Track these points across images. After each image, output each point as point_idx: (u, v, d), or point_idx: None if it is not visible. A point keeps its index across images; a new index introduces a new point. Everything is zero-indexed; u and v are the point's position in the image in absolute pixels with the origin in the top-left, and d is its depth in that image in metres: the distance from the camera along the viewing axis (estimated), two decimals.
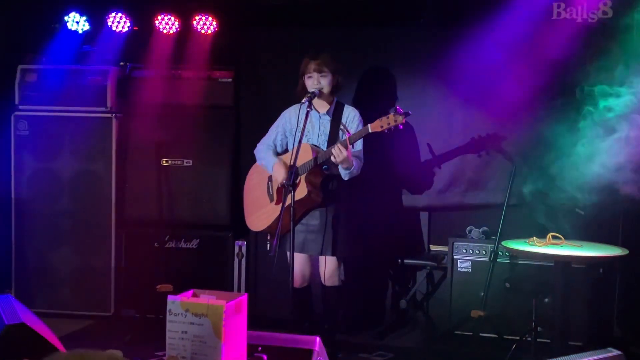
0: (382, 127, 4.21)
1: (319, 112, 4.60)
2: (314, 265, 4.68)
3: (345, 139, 4.29)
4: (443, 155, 5.43)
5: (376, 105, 5.32)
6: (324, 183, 4.52)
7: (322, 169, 4.49)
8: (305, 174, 4.43)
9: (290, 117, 4.67)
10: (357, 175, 4.51)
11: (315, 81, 4.51)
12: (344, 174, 4.47)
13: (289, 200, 4.11)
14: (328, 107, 4.61)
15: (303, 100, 4.39)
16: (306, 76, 4.55)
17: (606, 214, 4.75)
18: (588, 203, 4.48)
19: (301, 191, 4.40)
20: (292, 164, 4.14)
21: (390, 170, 5.44)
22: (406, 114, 4.18)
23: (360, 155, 4.52)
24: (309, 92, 4.44)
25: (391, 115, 4.18)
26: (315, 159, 4.40)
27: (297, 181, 4.39)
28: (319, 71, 4.50)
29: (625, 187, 4.45)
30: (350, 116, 4.58)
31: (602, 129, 4.45)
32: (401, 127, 4.20)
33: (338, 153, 4.25)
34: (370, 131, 4.27)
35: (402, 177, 5.56)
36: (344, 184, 4.56)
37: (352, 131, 4.48)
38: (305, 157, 4.41)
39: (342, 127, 4.49)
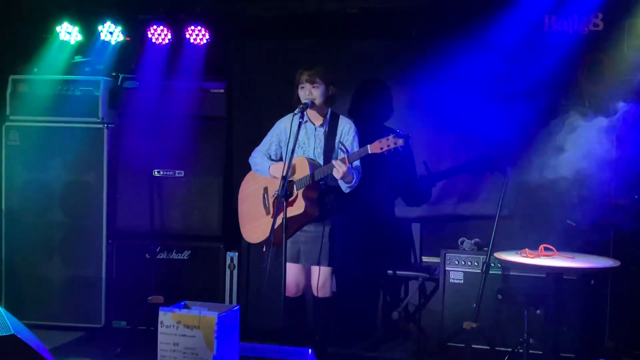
0: (381, 149, 4.20)
1: (314, 125, 4.60)
2: (307, 276, 4.67)
3: (344, 157, 4.28)
4: (437, 175, 5.46)
5: (373, 116, 5.33)
6: (320, 197, 4.52)
7: (319, 184, 4.49)
8: (302, 189, 4.42)
9: (285, 127, 4.66)
10: (356, 186, 4.52)
11: (307, 92, 4.51)
12: (345, 188, 4.48)
13: (283, 213, 4.09)
14: (322, 119, 4.62)
15: (295, 112, 4.38)
16: (299, 87, 4.55)
17: (598, 225, 4.77)
18: (579, 215, 4.50)
19: (298, 207, 4.39)
20: (284, 175, 4.13)
21: (384, 181, 5.43)
22: (406, 137, 4.17)
23: (359, 169, 4.54)
24: (302, 103, 4.44)
25: (391, 138, 4.16)
26: (313, 174, 4.40)
27: (294, 196, 4.40)
28: (311, 82, 4.50)
29: (616, 199, 4.48)
30: (346, 129, 4.58)
31: (595, 142, 4.48)
32: (401, 149, 4.20)
33: (338, 171, 4.26)
34: (369, 152, 4.25)
35: (397, 188, 5.56)
36: (340, 197, 4.56)
37: (347, 143, 4.49)
38: (302, 171, 4.41)
39: (340, 146, 4.47)
